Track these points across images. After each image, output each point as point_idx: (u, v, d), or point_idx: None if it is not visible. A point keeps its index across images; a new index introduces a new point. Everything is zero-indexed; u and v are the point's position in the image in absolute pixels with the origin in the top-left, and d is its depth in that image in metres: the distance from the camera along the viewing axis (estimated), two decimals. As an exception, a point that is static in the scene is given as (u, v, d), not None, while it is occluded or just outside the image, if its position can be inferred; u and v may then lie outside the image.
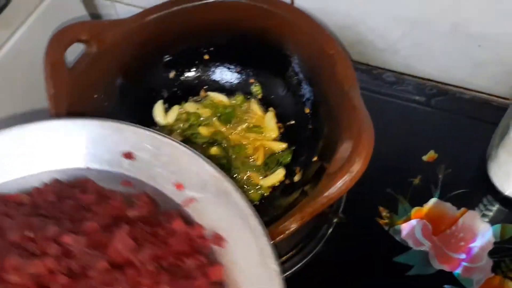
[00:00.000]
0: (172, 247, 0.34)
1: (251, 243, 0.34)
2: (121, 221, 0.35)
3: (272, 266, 0.33)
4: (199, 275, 0.34)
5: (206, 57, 0.55)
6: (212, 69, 0.56)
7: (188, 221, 0.36)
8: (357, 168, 0.38)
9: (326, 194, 0.38)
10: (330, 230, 0.50)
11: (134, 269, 0.33)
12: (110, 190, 0.38)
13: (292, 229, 0.39)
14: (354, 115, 0.41)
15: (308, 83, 0.50)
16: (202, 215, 0.37)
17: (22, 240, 0.34)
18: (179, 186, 0.38)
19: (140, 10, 0.53)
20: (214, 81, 0.56)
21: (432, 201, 0.51)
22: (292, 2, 0.58)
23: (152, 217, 0.36)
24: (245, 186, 0.49)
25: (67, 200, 0.37)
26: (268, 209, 0.45)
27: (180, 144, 0.37)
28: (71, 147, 0.40)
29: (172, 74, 0.55)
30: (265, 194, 0.50)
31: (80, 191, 0.38)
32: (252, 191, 0.49)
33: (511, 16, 0.48)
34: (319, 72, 0.47)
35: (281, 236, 0.39)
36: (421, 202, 0.51)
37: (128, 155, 0.39)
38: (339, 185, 0.38)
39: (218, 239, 0.36)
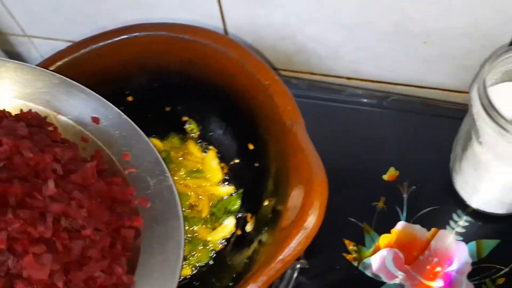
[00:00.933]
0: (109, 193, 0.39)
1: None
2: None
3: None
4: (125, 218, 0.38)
5: (130, 98, 0.49)
6: (140, 111, 0.49)
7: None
8: (311, 223, 0.33)
9: (280, 257, 0.33)
10: (295, 275, 0.45)
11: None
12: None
13: (247, 302, 0.33)
14: (301, 157, 0.36)
15: (247, 116, 0.44)
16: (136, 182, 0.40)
17: None
18: (126, 156, 0.41)
19: (61, 42, 0.46)
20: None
21: (400, 224, 0.47)
22: (225, 25, 0.53)
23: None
24: (190, 243, 0.43)
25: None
26: (222, 271, 0.40)
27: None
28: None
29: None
30: (215, 250, 0.44)
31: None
32: (200, 248, 0.43)
33: (452, 10, 0.45)
34: (257, 104, 0.42)
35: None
36: (388, 228, 0.47)
37: (96, 120, 0.42)
38: (294, 246, 0.33)
39: (144, 200, 0.39)
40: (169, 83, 0.47)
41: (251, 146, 0.45)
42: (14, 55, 0.65)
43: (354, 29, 0.51)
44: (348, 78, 0.58)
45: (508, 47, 0.39)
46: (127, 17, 0.51)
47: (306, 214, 0.33)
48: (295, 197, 0.35)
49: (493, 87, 0.41)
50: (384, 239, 0.46)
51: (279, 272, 0.33)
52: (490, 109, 0.36)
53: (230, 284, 0.37)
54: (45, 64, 0.45)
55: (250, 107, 0.43)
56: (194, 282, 0.41)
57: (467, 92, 0.53)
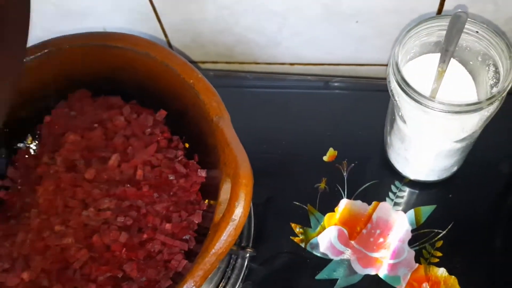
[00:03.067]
0: None
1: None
2: None
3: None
4: None
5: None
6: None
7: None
8: (239, 214, 0.34)
9: (213, 251, 0.34)
10: (246, 263, 0.46)
11: None
12: None
13: (189, 297, 0.34)
14: (228, 151, 0.37)
15: (178, 116, 0.45)
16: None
17: None
18: None
19: None
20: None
21: (342, 202, 0.49)
22: (162, 26, 0.54)
23: None
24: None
25: None
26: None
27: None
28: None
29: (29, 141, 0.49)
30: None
31: None
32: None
33: None
34: (185, 103, 0.43)
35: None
36: (331, 207, 0.49)
37: None
38: (224, 238, 0.34)
39: None
40: (99, 92, 0.47)
41: (186, 145, 0.46)
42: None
43: (287, 15, 0.51)
44: (291, 64, 0.59)
45: (417, 22, 0.40)
46: (60, 27, 0.51)
47: (233, 206, 0.34)
48: (225, 190, 0.36)
49: (412, 60, 0.42)
50: (328, 218, 0.48)
51: (214, 265, 0.34)
52: (404, 84, 0.38)
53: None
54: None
55: (180, 105, 0.43)
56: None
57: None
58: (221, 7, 0.52)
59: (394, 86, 0.39)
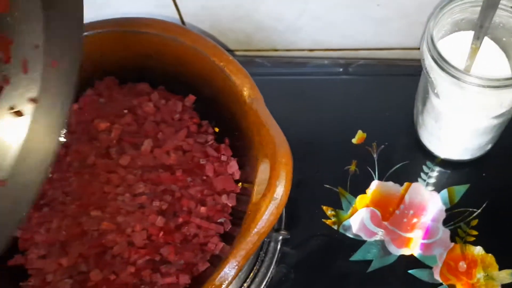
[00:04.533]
0: None
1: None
2: None
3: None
4: None
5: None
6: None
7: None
8: (280, 193, 0.33)
9: (255, 230, 0.34)
10: (279, 247, 0.46)
11: None
12: None
13: (230, 278, 0.34)
14: (265, 132, 0.36)
15: (208, 100, 0.45)
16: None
17: None
18: None
19: None
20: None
21: (373, 184, 0.48)
22: (180, 13, 0.53)
23: None
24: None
25: None
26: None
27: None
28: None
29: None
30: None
31: None
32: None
33: None
34: (216, 87, 0.42)
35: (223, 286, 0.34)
36: (363, 189, 0.48)
37: None
38: (266, 217, 0.34)
39: None
40: (127, 78, 0.47)
41: (216, 129, 0.46)
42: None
43: (307, 1, 0.51)
44: (311, 50, 0.59)
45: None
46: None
47: (274, 185, 0.34)
48: (263, 171, 0.36)
49: (444, 39, 0.42)
50: (360, 200, 0.48)
51: (256, 245, 0.34)
52: (440, 60, 0.37)
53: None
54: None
55: (210, 90, 0.43)
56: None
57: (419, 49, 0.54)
58: None
59: (429, 62, 0.39)
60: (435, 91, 0.41)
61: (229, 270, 0.34)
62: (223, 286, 0.34)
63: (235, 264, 0.34)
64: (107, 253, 0.39)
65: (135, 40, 0.44)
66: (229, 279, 0.34)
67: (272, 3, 0.52)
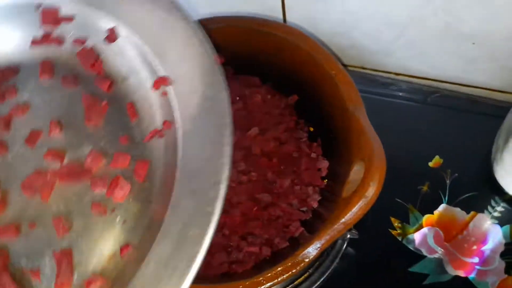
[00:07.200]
0: None
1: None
2: None
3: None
4: None
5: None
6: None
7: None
8: (371, 192, 0.38)
9: (343, 220, 0.39)
10: (345, 245, 0.51)
11: None
12: None
13: (311, 257, 0.39)
14: (363, 137, 0.41)
15: (312, 103, 0.50)
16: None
17: None
18: None
19: None
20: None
21: (442, 207, 0.52)
22: (285, 18, 0.58)
23: None
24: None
25: None
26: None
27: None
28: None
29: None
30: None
31: None
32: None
33: (502, 13, 0.49)
34: (323, 92, 0.48)
35: (302, 264, 0.39)
36: (431, 209, 0.52)
37: None
38: (355, 211, 0.38)
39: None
40: (241, 70, 0.53)
41: (311, 129, 0.51)
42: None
43: (406, 26, 0.54)
44: (397, 74, 0.62)
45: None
46: (199, 10, 0.56)
47: (367, 184, 0.38)
48: (356, 172, 0.41)
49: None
50: (427, 219, 0.52)
51: (339, 233, 0.39)
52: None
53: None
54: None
55: (315, 93, 0.49)
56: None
57: (509, 92, 0.57)
58: (347, 11, 0.55)
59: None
60: (521, 133, 0.44)
61: (312, 250, 0.39)
62: (304, 262, 0.39)
63: (318, 246, 0.39)
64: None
65: (258, 38, 0.49)
66: (311, 257, 0.39)
67: (372, 24, 0.55)
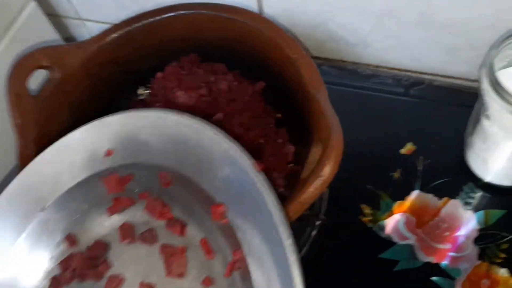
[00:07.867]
0: None
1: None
2: None
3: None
4: None
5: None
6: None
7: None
8: (327, 172, 0.37)
9: (299, 200, 0.38)
10: (314, 232, 0.50)
11: None
12: None
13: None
14: (322, 119, 0.40)
15: (276, 88, 0.50)
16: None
17: None
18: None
19: (110, 25, 0.52)
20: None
21: (414, 193, 0.51)
22: (261, 7, 0.58)
23: None
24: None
25: None
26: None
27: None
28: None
29: (141, 91, 0.55)
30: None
31: None
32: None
33: (477, 1, 0.48)
34: (285, 77, 0.47)
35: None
36: (402, 196, 0.51)
37: None
38: (311, 190, 0.38)
39: None
40: (207, 57, 0.53)
41: (278, 115, 0.51)
42: (67, 38, 0.69)
43: (382, 18, 0.54)
44: (376, 66, 0.61)
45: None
46: (171, 1, 0.55)
47: (323, 164, 0.37)
48: (315, 153, 0.40)
49: (501, 71, 0.44)
50: (398, 205, 0.51)
51: (296, 214, 0.38)
52: (496, 85, 0.40)
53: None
54: (102, 36, 0.51)
55: (280, 79, 0.48)
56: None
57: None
58: (324, 3, 0.55)
59: (484, 86, 0.42)
60: (486, 113, 0.43)
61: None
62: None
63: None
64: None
65: (223, 24, 0.49)
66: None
67: (349, 15, 0.55)
